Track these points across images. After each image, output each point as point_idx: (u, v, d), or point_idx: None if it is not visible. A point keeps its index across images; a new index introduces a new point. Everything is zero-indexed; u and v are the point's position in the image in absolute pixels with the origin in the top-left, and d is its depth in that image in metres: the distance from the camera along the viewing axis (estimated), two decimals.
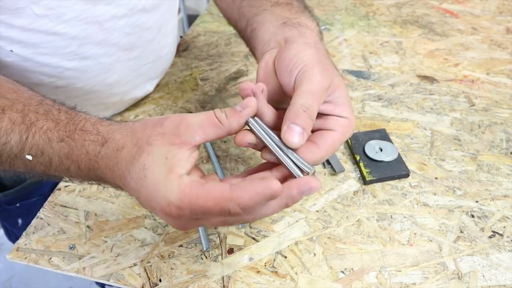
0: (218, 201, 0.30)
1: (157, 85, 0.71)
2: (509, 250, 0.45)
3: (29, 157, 0.37)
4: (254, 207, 0.31)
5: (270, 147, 0.35)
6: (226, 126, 0.33)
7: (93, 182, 0.39)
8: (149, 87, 0.67)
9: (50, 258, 0.47)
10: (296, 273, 0.44)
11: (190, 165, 0.33)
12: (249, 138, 0.36)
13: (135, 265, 0.46)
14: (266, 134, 0.35)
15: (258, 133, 0.35)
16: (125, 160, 0.33)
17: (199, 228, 0.48)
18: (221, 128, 0.33)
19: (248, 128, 0.36)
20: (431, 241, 0.46)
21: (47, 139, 0.36)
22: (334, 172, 0.54)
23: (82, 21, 0.49)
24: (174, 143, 0.32)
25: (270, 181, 0.30)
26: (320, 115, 0.38)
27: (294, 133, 0.34)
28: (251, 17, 0.48)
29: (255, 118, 0.36)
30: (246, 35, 0.49)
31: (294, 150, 0.35)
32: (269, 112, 0.37)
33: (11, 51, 0.47)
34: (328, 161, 0.55)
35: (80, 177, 0.38)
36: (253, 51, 0.47)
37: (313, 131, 0.37)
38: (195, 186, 0.31)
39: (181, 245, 0.47)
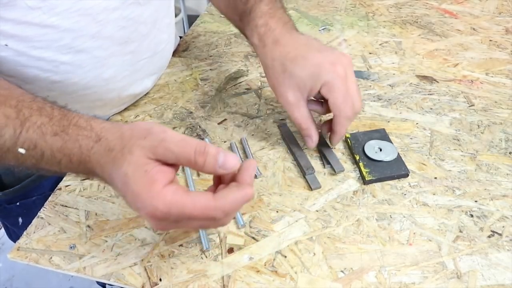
0: (204, 210, 0.33)
1: (157, 85, 0.71)
2: (508, 250, 0.45)
3: (21, 150, 0.38)
4: (234, 211, 0.35)
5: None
6: (199, 168, 0.35)
7: (81, 175, 0.41)
8: (147, 83, 0.66)
9: (51, 258, 0.47)
10: (296, 273, 0.44)
11: (171, 175, 0.35)
12: None
13: (135, 264, 0.46)
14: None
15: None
16: (112, 162, 0.35)
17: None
18: (193, 167, 0.35)
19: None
20: (430, 240, 0.47)
21: (41, 133, 0.37)
22: (333, 172, 0.54)
23: (74, 13, 0.49)
24: (151, 158, 0.34)
25: (246, 188, 0.35)
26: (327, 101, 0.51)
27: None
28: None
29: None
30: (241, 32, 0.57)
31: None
32: None
33: (6, 45, 0.47)
34: (327, 161, 0.55)
35: (70, 169, 0.39)
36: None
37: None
38: (180, 194, 0.34)
39: (181, 245, 0.47)
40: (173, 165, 0.36)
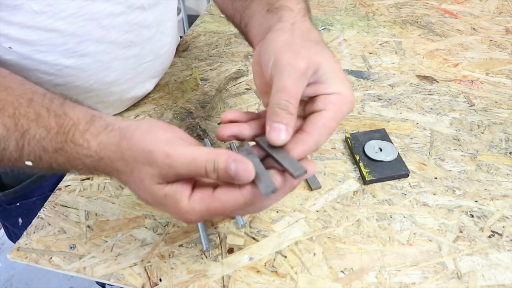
0: (235, 208, 0.34)
1: (157, 85, 0.71)
2: (508, 250, 0.45)
3: (28, 163, 0.38)
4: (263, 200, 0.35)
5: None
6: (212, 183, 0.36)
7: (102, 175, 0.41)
8: (149, 86, 0.67)
9: (51, 258, 0.47)
10: (296, 273, 0.44)
11: (190, 184, 0.35)
12: (231, 130, 0.39)
13: (135, 264, 0.46)
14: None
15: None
16: (126, 182, 0.36)
17: (199, 228, 0.48)
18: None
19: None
20: (430, 241, 0.46)
21: (42, 148, 0.37)
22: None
23: (80, 18, 0.49)
24: (162, 183, 0.34)
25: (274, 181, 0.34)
26: (309, 98, 0.37)
27: (278, 132, 0.35)
28: (243, 11, 0.48)
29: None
30: (242, 31, 0.50)
31: (283, 150, 0.35)
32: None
33: (10, 47, 0.47)
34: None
35: (86, 174, 0.42)
36: (251, 45, 0.48)
37: (304, 117, 0.36)
38: (208, 199, 0.34)
39: (181, 245, 0.47)
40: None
